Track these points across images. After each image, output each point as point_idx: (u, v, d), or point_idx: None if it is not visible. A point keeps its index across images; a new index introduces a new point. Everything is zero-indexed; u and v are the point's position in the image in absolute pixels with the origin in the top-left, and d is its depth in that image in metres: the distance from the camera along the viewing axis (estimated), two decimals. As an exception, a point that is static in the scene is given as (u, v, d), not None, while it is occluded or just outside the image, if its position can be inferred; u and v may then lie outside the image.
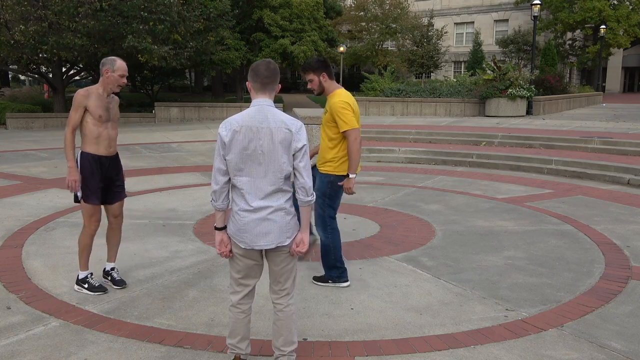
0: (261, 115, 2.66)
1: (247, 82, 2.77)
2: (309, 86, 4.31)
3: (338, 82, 32.55)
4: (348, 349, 3.29)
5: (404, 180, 9.22)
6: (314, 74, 4.20)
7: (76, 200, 4.11)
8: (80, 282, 4.18)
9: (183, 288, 4.26)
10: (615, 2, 37.37)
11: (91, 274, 4.22)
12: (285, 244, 2.75)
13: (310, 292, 4.19)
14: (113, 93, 4.12)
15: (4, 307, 3.87)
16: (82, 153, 4.06)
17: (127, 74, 4.07)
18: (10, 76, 36.56)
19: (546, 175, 9.95)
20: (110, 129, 4.10)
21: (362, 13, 34.43)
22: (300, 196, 2.71)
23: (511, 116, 18.06)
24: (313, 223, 4.42)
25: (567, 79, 36.11)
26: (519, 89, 18.16)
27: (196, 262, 4.88)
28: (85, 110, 3.98)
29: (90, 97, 3.98)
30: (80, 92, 3.99)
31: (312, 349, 3.29)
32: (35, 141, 13.91)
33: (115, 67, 3.97)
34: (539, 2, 21.43)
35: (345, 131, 4.10)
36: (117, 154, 4.24)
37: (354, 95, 4.54)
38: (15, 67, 21.68)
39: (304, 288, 4.27)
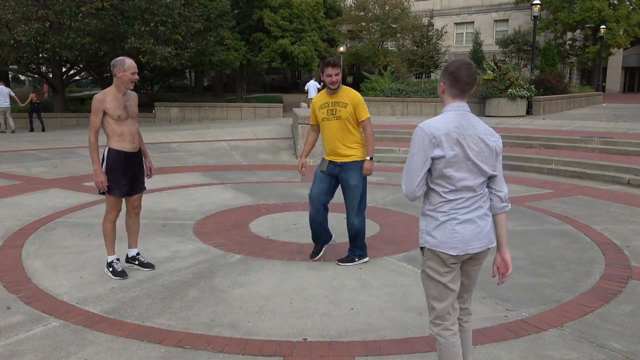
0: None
1: (440, 84, 2.59)
2: (333, 80, 4.65)
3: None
4: (348, 349, 3.28)
5: (404, 180, 9.22)
6: (340, 69, 4.68)
7: (100, 191, 4.43)
8: (107, 265, 4.54)
9: (183, 288, 4.25)
10: (615, 2, 37.35)
11: (117, 259, 4.56)
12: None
13: (310, 292, 4.19)
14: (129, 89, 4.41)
15: (4, 307, 3.87)
16: (109, 149, 4.38)
17: (137, 71, 4.37)
18: (10, 76, 36.56)
19: (546, 175, 9.95)
20: (130, 125, 4.41)
21: (362, 13, 34.42)
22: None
23: (511, 116, 18.05)
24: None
25: (567, 79, 36.11)
26: (519, 89, 18.16)
27: (196, 262, 4.88)
28: (105, 112, 4.26)
29: (107, 100, 4.27)
30: (97, 97, 4.29)
31: (312, 349, 3.29)
32: (35, 141, 13.90)
33: (126, 67, 4.27)
34: (539, 2, 21.43)
35: (366, 119, 4.79)
36: (141, 149, 4.56)
37: None
38: (15, 67, 21.69)
39: (304, 288, 4.27)
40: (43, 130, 17.97)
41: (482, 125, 2.52)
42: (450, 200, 2.47)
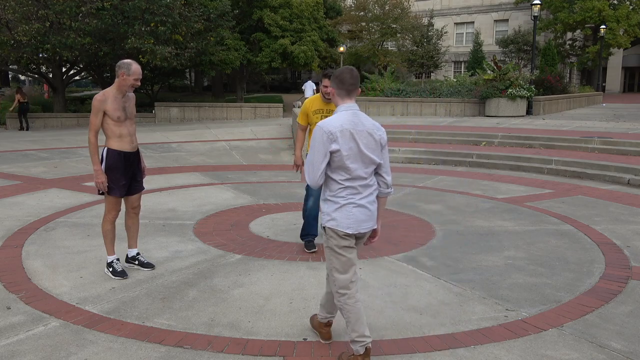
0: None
1: (330, 89, 3.03)
2: (328, 90, 4.59)
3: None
4: (348, 349, 3.28)
5: (404, 180, 9.22)
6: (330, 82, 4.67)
7: (99, 192, 4.44)
8: (107, 265, 4.55)
9: (183, 288, 4.26)
10: (615, 2, 37.35)
11: (117, 259, 4.57)
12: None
13: (310, 292, 4.19)
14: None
15: (4, 307, 3.87)
16: (108, 150, 4.37)
17: (141, 77, 4.37)
18: (10, 76, 36.57)
19: (546, 175, 9.95)
20: (129, 125, 4.42)
21: (362, 13, 34.42)
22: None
23: (511, 116, 18.05)
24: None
25: (567, 79, 36.12)
26: (519, 89, 18.15)
27: (196, 262, 4.88)
28: (105, 112, 4.27)
29: (107, 101, 4.27)
30: (97, 98, 4.28)
31: (312, 349, 3.29)
32: (35, 141, 13.91)
33: (131, 72, 4.27)
34: (539, 2, 21.43)
35: None
36: (138, 149, 4.57)
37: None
38: (15, 67, 21.69)
39: (303, 288, 4.27)
40: (27, 129, 18.17)
41: (370, 122, 2.99)
42: (347, 187, 2.93)
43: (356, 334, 2.98)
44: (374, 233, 3.16)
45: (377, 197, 3.05)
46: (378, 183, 3.03)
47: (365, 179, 2.95)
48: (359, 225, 2.95)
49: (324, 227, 3.02)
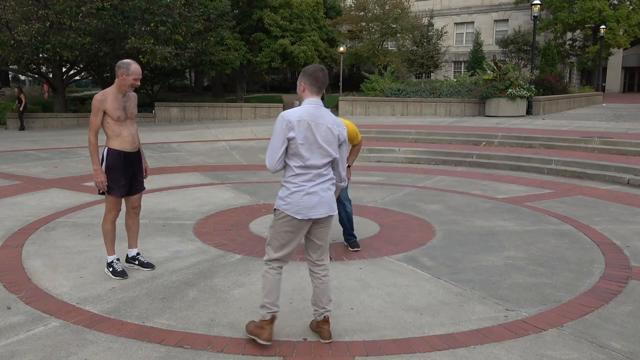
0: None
1: (301, 84, 3.23)
2: None
3: (337, 82, 32.11)
4: (348, 349, 3.28)
5: (404, 180, 9.22)
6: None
7: (100, 192, 4.44)
8: (107, 265, 4.55)
9: (183, 288, 4.26)
10: (615, 2, 37.34)
11: (117, 259, 4.57)
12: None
13: (310, 292, 4.17)
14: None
15: (4, 307, 3.87)
16: (108, 149, 4.36)
17: (140, 77, 4.36)
18: (10, 76, 36.58)
19: (546, 175, 9.95)
20: (129, 125, 4.41)
21: (362, 13, 34.40)
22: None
23: (511, 116, 18.05)
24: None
25: (567, 79, 36.11)
26: (519, 89, 18.15)
27: (196, 262, 4.88)
28: (105, 112, 4.27)
29: (107, 100, 4.27)
30: (97, 97, 4.28)
31: (312, 349, 3.29)
32: (35, 141, 13.91)
33: (130, 72, 4.25)
34: (539, 2, 21.42)
35: (358, 143, 5.37)
36: (140, 149, 4.55)
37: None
38: (15, 67, 21.69)
39: (303, 288, 4.27)
40: (23, 129, 18.27)
41: (331, 117, 3.21)
42: (299, 174, 3.14)
43: (267, 300, 3.26)
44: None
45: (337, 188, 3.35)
46: (334, 175, 3.29)
47: (320, 168, 3.15)
48: (309, 211, 3.14)
49: (275, 209, 3.24)
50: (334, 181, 3.29)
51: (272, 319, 3.29)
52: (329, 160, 3.19)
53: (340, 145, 3.24)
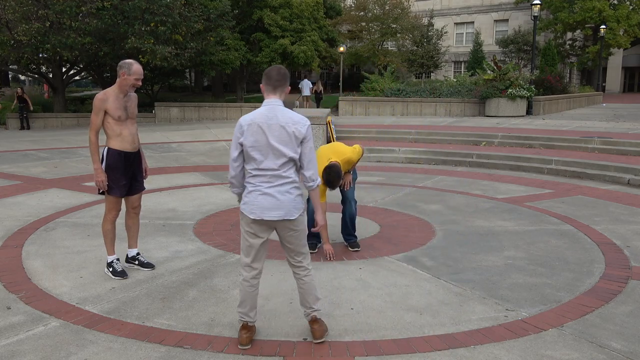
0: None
1: (261, 85, 3.22)
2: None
3: (337, 82, 32.12)
4: (348, 349, 3.28)
5: (404, 180, 9.22)
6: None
7: (100, 191, 4.43)
8: (107, 265, 4.54)
9: (183, 288, 4.26)
10: (615, 2, 37.34)
11: (117, 259, 4.57)
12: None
13: (310, 292, 4.18)
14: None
15: (4, 307, 3.87)
16: (108, 149, 4.36)
17: (142, 77, 4.37)
18: (10, 76, 36.57)
19: (546, 175, 9.95)
20: (130, 125, 4.41)
21: (362, 13, 34.40)
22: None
23: (511, 116, 18.05)
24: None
25: (567, 79, 36.10)
26: (519, 89, 18.15)
27: (196, 262, 4.88)
28: (105, 112, 4.27)
29: (108, 100, 4.27)
30: (98, 97, 4.28)
31: (312, 349, 3.29)
32: (35, 141, 13.91)
33: (132, 72, 4.27)
34: (539, 2, 21.42)
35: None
36: (140, 149, 4.56)
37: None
38: (15, 67, 21.68)
39: (304, 288, 4.27)
40: (22, 129, 18.32)
41: (286, 116, 3.11)
42: (255, 176, 3.14)
43: (240, 308, 3.30)
44: (315, 223, 3.38)
45: (310, 191, 3.26)
46: (302, 178, 3.21)
47: (276, 170, 3.11)
48: (262, 212, 3.13)
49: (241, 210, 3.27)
50: (297, 185, 3.18)
51: (246, 326, 3.29)
52: (286, 161, 3.10)
53: (302, 143, 3.12)
